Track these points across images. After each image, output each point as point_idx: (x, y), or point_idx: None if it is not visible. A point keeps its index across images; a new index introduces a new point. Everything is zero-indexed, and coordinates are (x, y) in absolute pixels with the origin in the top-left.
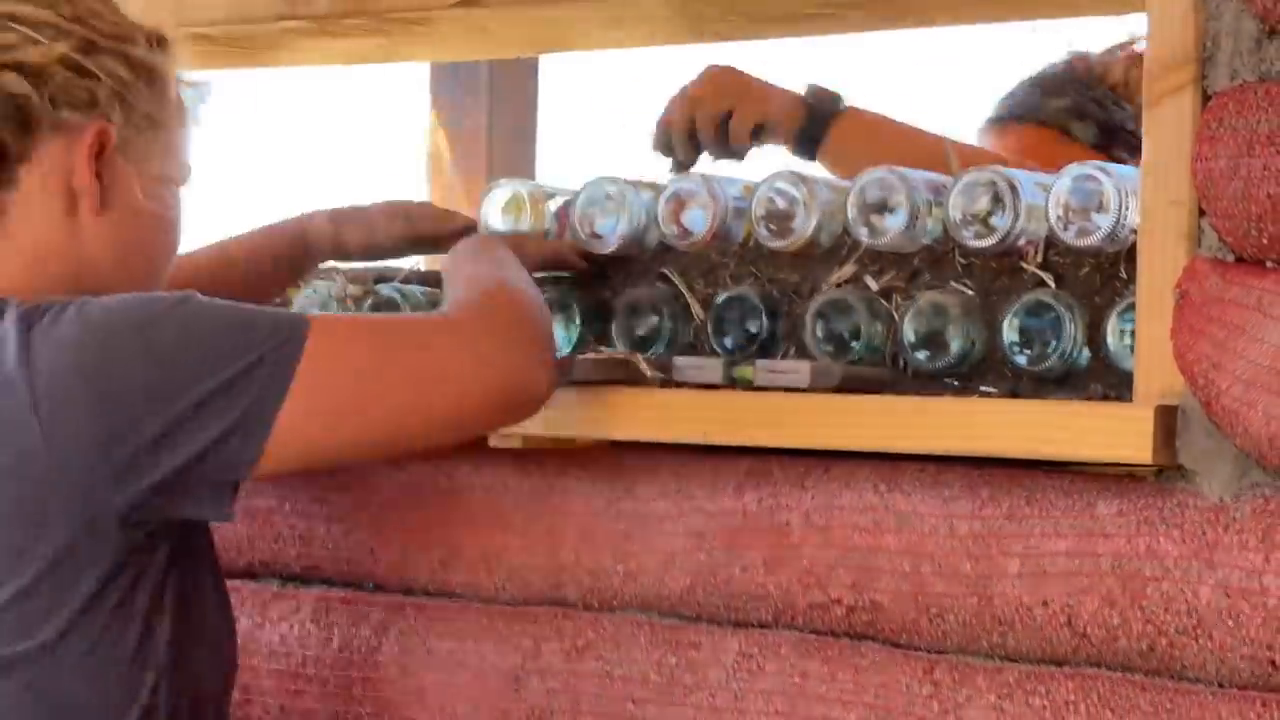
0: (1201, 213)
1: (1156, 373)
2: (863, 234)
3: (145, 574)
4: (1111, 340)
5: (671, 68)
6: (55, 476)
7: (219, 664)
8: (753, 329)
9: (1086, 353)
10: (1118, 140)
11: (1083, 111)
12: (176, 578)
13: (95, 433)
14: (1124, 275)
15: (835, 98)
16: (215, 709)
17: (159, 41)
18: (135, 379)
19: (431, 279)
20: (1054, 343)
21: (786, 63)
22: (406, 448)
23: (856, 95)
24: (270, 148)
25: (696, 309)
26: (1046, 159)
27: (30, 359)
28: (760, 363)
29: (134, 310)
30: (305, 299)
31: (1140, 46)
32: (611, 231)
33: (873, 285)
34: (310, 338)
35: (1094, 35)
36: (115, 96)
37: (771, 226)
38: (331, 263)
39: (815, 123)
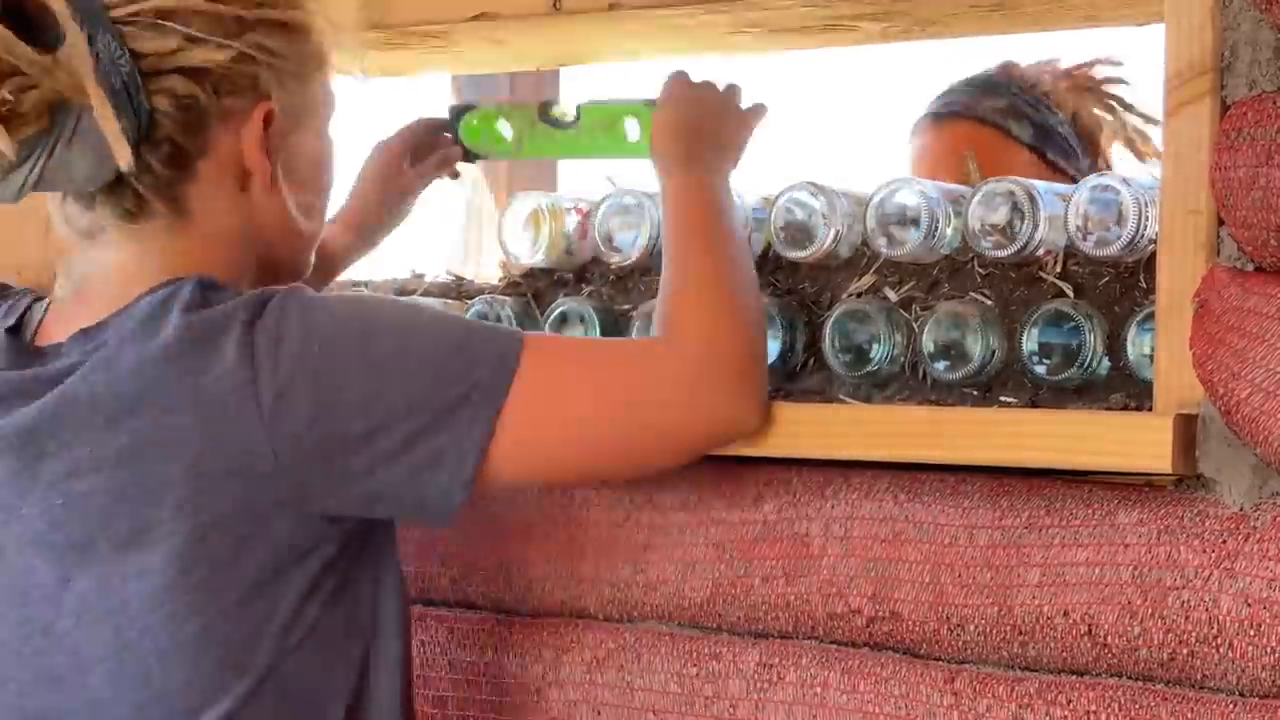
0: (1220, 222)
1: (1176, 382)
2: (882, 245)
3: (355, 562)
4: (1131, 350)
5: None
6: (276, 475)
7: (405, 648)
8: (771, 340)
9: (1106, 362)
10: (1051, 141)
11: (1019, 112)
12: (374, 559)
13: (314, 440)
14: (1143, 285)
15: None
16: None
17: None
18: (354, 394)
19: (452, 291)
20: (1073, 353)
21: (803, 75)
22: (610, 478)
23: (872, 108)
24: None
25: None
26: (985, 157)
27: (254, 358)
28: None
29: (355, 318)
30: None
31: (1064, 64)
32: (631, 243)
33: (892, 296)
34: (524, 362)
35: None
36: (272, 71)
37: (790, 237)
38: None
39: None
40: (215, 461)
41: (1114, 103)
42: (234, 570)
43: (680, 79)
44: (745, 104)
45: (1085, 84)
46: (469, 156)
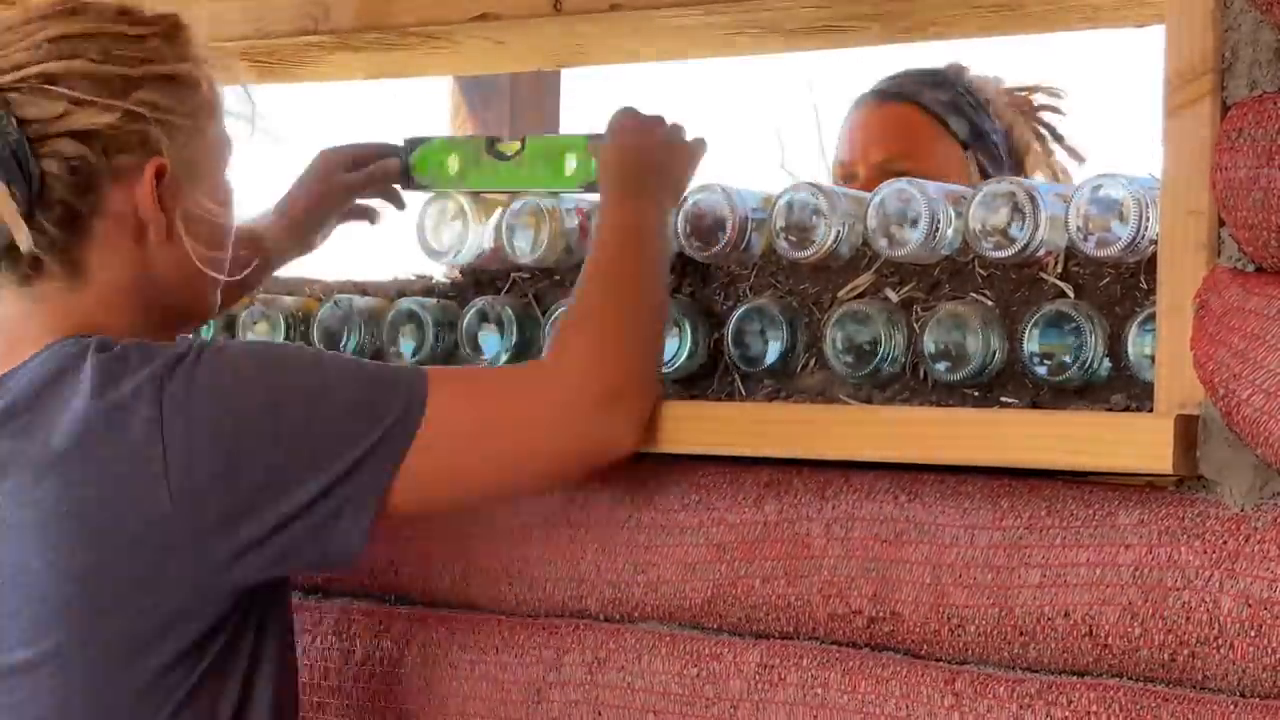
0: (1221, 223)
1: (1177, 383)
2: (883, 245)
3: (243, 633)
4: (1132, 350)
5: (691, 81)
6: (179, 545)
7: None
8: (772, 340)
9: (1107, 363)
10: (984, 145)
11: (959, 107)
12: (261, 635)
13: (220, 509)
14: (1144, 285)
15: None
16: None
17: (172, 33)
18: (262, 460)
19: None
20: (1074, 353)
21: (805, 75)
22: (508, 497)
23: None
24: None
25: None
26: (916, 143)
27: (164, 425)
28: None
29: (262, 386)
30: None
31: (1008, 84)
32: None
33: (893, 296)
34: (428, 404)
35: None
36: (161, 127)
37: (791, 238)
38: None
39: None
40: (119, 536)
41: (1045, 132)
42: (118, 639)
43: (628, 113)
44: (687, 139)
45: (1023, 106)
46: (414, 185)
